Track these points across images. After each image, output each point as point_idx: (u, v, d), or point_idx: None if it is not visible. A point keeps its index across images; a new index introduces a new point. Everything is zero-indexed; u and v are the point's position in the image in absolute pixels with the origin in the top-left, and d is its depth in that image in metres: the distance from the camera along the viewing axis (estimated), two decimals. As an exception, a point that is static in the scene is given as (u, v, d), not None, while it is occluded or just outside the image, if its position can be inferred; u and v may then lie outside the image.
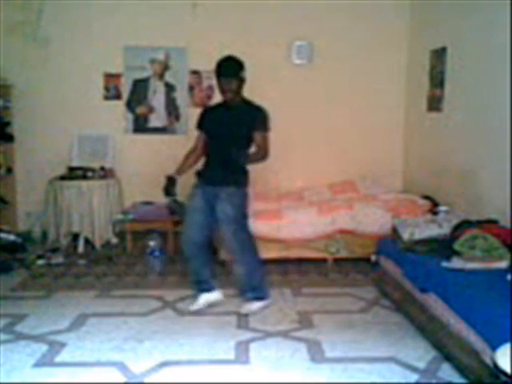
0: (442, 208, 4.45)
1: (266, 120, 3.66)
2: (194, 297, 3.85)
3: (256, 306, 3.75)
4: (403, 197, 5.33)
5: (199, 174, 3.76)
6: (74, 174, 5.48)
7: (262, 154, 3.64)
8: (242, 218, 3.69)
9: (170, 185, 3.70)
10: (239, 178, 3.69)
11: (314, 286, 4.34)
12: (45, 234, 5.62)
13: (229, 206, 3.61)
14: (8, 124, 5.63)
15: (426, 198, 5.16)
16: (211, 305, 3.80)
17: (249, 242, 3.76)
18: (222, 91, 3.59)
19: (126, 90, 5.90)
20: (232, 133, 3.60)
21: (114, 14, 5.73)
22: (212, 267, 3.91)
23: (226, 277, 4.25)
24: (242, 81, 3.59)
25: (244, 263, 3.74)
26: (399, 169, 6.22)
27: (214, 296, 3.82)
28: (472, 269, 3.19)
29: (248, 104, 3.68)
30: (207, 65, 5.78)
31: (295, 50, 5.93)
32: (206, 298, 3.80)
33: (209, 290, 3.81)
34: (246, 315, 3.68)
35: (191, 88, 5.94)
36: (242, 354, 3.11)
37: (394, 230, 4.00)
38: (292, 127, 5.89)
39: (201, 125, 3.76)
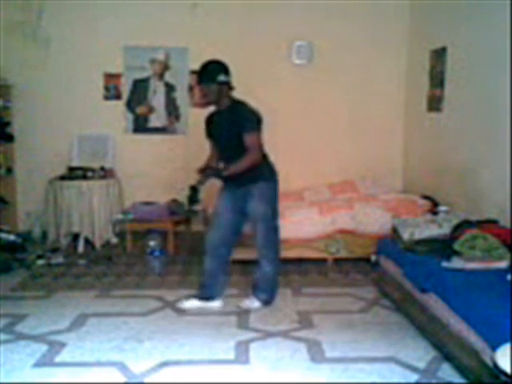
0: (442, 208, 4.45)
1: (252, 120, 3.57)
2: (195, 297, 3.85)
3: (257, 305, 3.80)
4: (403, 197, 5.33)
5: (210, 172, 3.70)
6: (74, 173, 5.48)
7: (251, 157, 3.55)
8: (273, 214, 3.73)
9: (193, 194, 3.69)
10: (264, 173, 3.67)
11: (314, 286, 4.34)
12: (45, 234, 5.62)
13: (261, 203, 3.64)
14: (8, 124, 5.64)
15: (426, 197, 5.16)
16: (205, 311, 3.78)
17: (278, 241, 3.85)
18: (203, 96, 3.60)
19: (126, 90, 5.91)
20: (226, 136, 3.61)
21: (114, 14, 5.74)
22: (228, 272, 3.92)
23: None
24: (221, 84, 3.53)
25: (270, 261, 3.78)
26: (399, 169, 6.23)
27: (213, 305, 3.82)
28: (472, 269, 3.19)
29: (237, 104, 3.62)
30: (207, 65, 5.81)
31: (295, 49, 5.93)
32: (204, 304, 3.81)
33: (211, 298, 3.81)
34: (247, 311, 3.71)
35: (191, 88, 5.94)
36: (241, 354, 3.11)
37: (394, 230, 4.00)
38: (292, 127, 5.89)
39: (206, 133, 3.79)
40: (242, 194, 3.65)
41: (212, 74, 3.53)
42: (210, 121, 3.76)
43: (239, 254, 4.30)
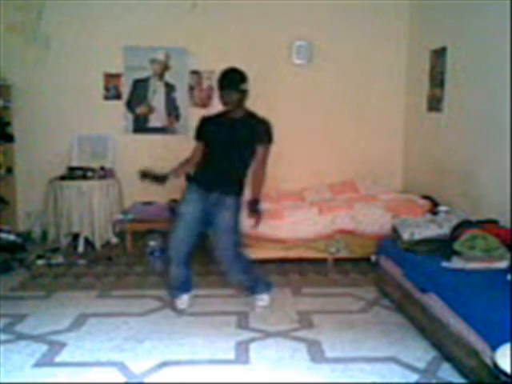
0: (442, 208, 4.45)
1: (271, 132, 3.61)
2: (175, 297, 3.82)
3: (266, 297, 3.85)
4: (403, 197, 5.33)
5: (193, 178, 3.68)
6: (74, 174, 5.48)
7: (264, 170, 3.63)
8: (238, 226, 3.69)
9: (155, 179, 3.66)
10: (241, 188, 3.68)
11: (314, 286, 4.34)
12: (45, 234, 5.62)
13: (231, 214, 3.60)
14: (8, 124, 5.63)
15: (426, 197, 5.16)
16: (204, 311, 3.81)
17: (242, 248, 3.81)
18: (224, 103, 3.56)
19: (126, 90, 5.90)
20: (237, 145, 3.59)
21: (114, 14, 5.73)
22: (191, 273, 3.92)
23: (224, 277, 4.24)
24: (243, 93, 3.54)
25: (240, 269, 3.75)
26: (399, 169, 6.23)
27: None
28: (472, 269, 3.19)
29: (252, 116, 3.63)
30: (207, 65, 5.82)
31: (295, 49, 5.93)
32: (188, 297, 3.83)
33: (188, 290, 3.84)
34: (246, 312, 3.73)
35: (191, 88, 5.95)
36: (242, 354, 3.11)
37: (394, 230, 4.00)
38: (292, 127, 5.89)
39: (200, 135, 3.69)
40: (213, 201, 3.58)
41: (235, 81, 3.52)
42: (207, 124, 3.70)
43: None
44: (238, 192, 3.64)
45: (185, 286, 3.83)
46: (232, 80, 3.52)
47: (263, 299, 3.84)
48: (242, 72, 3.56)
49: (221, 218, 3.59)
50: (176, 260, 3.71)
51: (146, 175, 3.69)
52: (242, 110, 3.60)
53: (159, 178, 3.66)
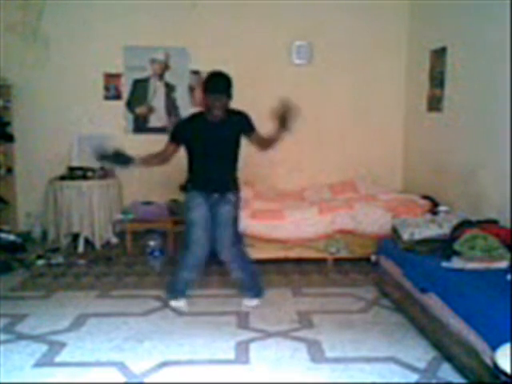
0: (442, 208, 4.45)
1: (251, 119, 3.72)
2: (176, 298, 3.86)
3: (255, 302, 3.86)
4: (403, 197, 5.33)
5: (191, 187, 3.71)
6: (74, 174, 5.48)
7: (271, 145, 3.75)
8: (238, 221, 3.82)
9: (116, 158, 3.64)
10: (238, 184, 3.80)
11: (314, 286, 4.34)
12: (45, 234, 5.63)
13: (231, 207, 3.71)
14: (8, 124, 5.63)
15: (426, 198, 5.15)
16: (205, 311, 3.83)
17: (243, 246, 3.94)
18: (210, 107, 3.54)
19: (126, 90, 5.91)
20: (226, 146, 3.65)
21: (114, 14, 5.73)
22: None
23: (224, 277, 4.25)
24: (230, 97, 3.56)
25: (243, 263, 3.84)
26: (399, 169, 6.23)
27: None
28: (472, 269, 3.19)
29: (231, 113, 3.64)
30: (207, 65, 5.78)
31: (295, 49, 5.93)
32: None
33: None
34: (247, 312, 3.74)
35: (191, 88, 5.95)
36: (241, 354, 3.11)
37: (394, 230, 4.00)
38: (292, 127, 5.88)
39: (177, 138, 3.68)
40: (215, 200, 3.68)
41: (225, 86, 3.53)
42: (186, 127, 3.70)
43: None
44: (237, 187, 3.77)
45: (186, 289, 3.88)
46: (222, 85, 3.52)
47: (252, 302, 3.87)
48: (228, 76, 3.57)
49: (222, 211, 3.69)
50: (192, 265, 3.77)
51: (105, 157, 3.60)
52: (223, 112, 3.59)
53: (120, 159, 3.62)
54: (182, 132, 3.69)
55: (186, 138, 3.65)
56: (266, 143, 3.72)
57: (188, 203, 3.72)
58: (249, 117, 3.71)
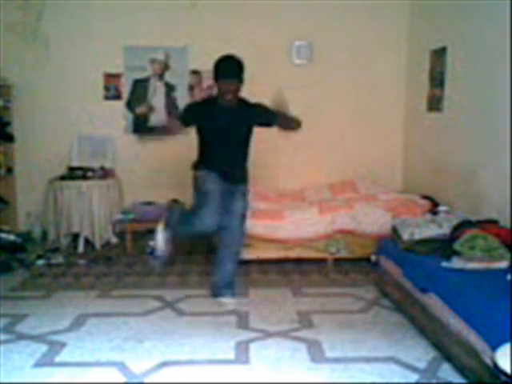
0: (442, 208, 4.45)
1: (268, 106, 3.68)
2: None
3: (234, 302, 3.85)
4: (403, 197, 5.33)
5: (204, 167, 3.68)
6: (74, 174, 5.48)
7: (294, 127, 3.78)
8: (245, 214, 3.84)
9: None
10: (248, 176, 3.80)
11: (314, 286, 4.34)
12: (45, 234, 5.62)
13: (243, 202, 3.75)
14: (8, 124, 5.63)
15: (426, 198, 5.15)
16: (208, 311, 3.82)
17: (244, 239, 3.96)
18: (223, 92, 3.49)
19: (126, 90, 5.90)
20: (237, 134, 3.63)
21: (114, 14, 5.73)
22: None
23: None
24: (242, 82, 3.53)
25: (235, 259, 3.87)
26: (399, 169, 6.23)
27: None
28: (472, 269, 3.19)
29: (245, 102, 3.64)
30: (207, 65, 5.75)
31: (295, 49, 5.93)
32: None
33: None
34: (247, 312, 3.72)
35: (191, 88, 5.94)
36: (241, 354, 3.11)
37: (394, 230, 4.00)
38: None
39: (188, 120, 3.67)
40: (229, 190, 3.67)
41: (236, 70, 3.48)
42: (199, 109, 3.67)
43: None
44: (249, 181, 3.80)
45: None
46: (233, 69, 3.46)
47: (231, 303, 3.84)
48: (240, 60, 3.51)
49: (236, 205, 3.71)
50: (198, 232, 3.76)
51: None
52: (236, 98, 3.56)
53: None
54: (193, 114, 3.65)
55: (197, 121, 3.62)
56: (287, 122, 3.69)
57: (203, 176, 3.66)
58: (265, 106, 3.66)
